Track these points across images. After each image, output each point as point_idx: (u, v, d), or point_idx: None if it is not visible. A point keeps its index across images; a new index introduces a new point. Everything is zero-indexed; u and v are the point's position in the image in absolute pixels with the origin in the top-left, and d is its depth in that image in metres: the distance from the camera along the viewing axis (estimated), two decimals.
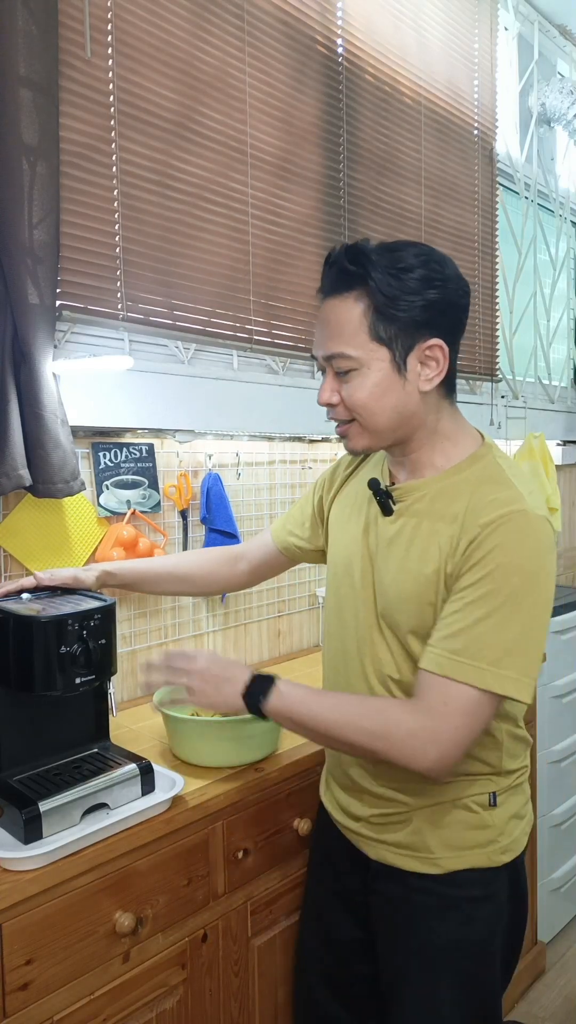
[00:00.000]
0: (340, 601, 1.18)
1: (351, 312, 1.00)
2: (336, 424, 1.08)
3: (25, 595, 1.28)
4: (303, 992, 1.35)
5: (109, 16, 1.56)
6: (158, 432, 1.78)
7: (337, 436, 1.11)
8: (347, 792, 1.19)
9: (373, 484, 1.12)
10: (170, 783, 1.24)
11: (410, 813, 1.10)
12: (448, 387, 1.08)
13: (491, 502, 1.00)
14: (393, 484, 1.13)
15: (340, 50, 2.10)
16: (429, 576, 1.03)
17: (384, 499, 1.10)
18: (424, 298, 1.00)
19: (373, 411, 1.03)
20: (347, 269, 1.00)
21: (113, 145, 1.57)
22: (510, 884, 1.12)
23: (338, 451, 2.26)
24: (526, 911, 1.17)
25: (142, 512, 1.73)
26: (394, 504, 1.10)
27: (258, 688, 1.06)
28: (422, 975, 1.10)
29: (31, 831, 1.09)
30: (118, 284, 1.60)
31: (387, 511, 1.10)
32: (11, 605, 1.20)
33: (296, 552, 1.37)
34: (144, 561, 1.45)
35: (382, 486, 1.11)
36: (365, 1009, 1.26)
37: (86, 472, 1.62)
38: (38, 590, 1.26)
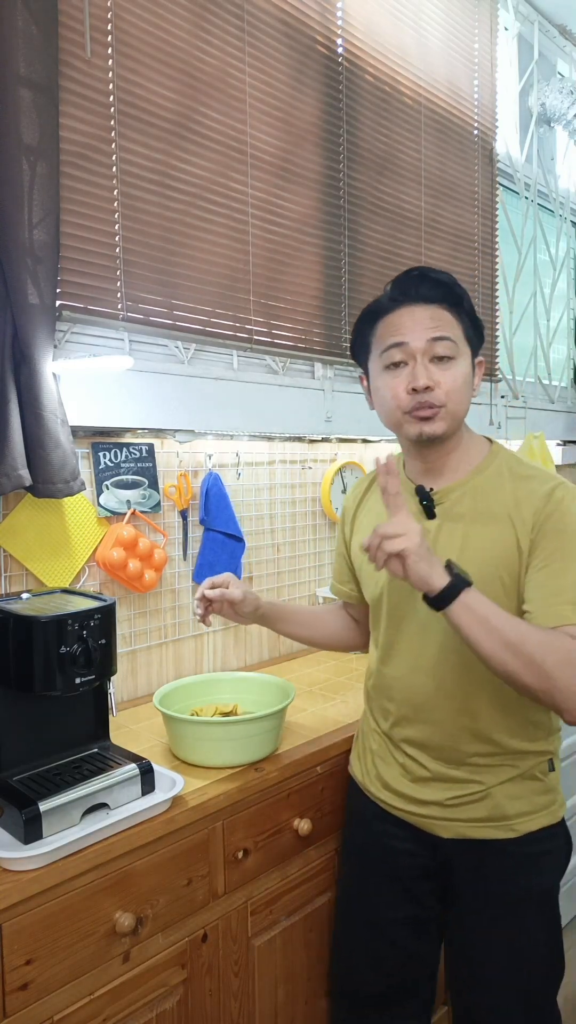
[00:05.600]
0: (392, 607, 1.28)
1: (449, 314, 1.19)
2: (419, 408, 1.18)
3: (25, 595, 1.28)
4: (344, 974, 1.41)
5: (109, 16, 1.56)
6: (158, 432, 1.78)
7: (416, 419, 1.19)
8: (416, 782, 1.27)
9: (420, 490, 1.24)
10: (170, 783, 1.24)
11: (488, 790, 1.22)
12: None
13: (532, 479, 1.18)
14: (431, 490, 1.24)
15: (340, 50, 2.10)
16: (499, 559, 1.16)
17: (429, 503, 1.23)
18: (481, 326, 1.24)
19: (462, 398, 1.20)
20: (453, 290, 1.20)
21: (113, 145, 1.57)
22: (565, 833, 1.29)
23: (337, 451, 2.26)
24: (571, 850, 1.31)
25: (142, 512, 1.73)
26: (435, 507, 1.23)
27: (462, 575, 1.07)
28: (508, 920, 1.24)
29: (31, 831, 1.09)
30: (118, 284, 1.60)
31: (431, 515, 1.23)
32: (11, 605, 1.20)
33: (356, 596, 1.45)
34: (283, 605, 1.50)
35: (427, 490, 1.24)
36: (410, 985, 1.35)
37: (86, 472, 1.62)
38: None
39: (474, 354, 1.23)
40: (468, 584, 1.06)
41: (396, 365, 1.19)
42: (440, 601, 1.05)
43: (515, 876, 1.23)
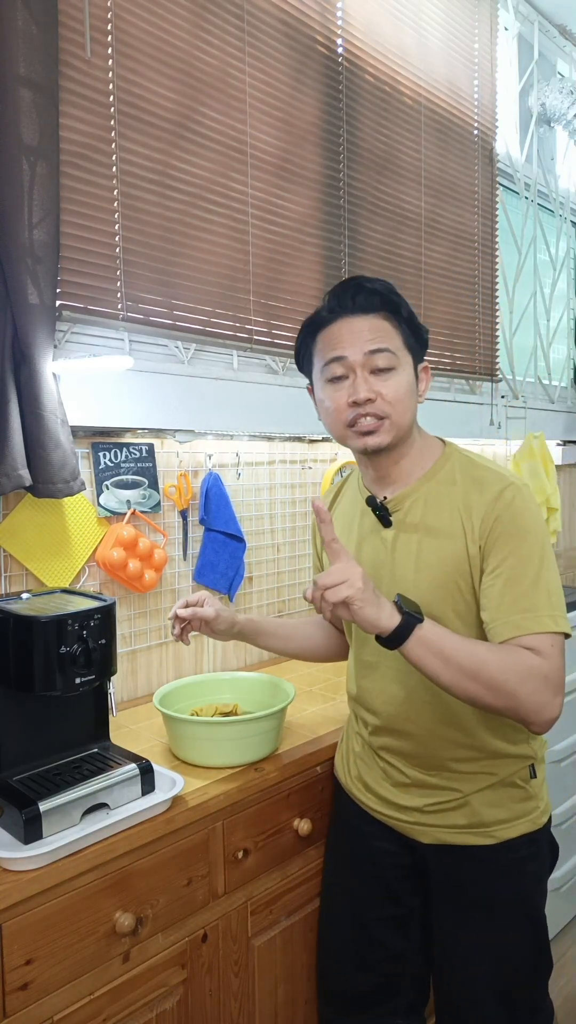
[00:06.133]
0: None
1: (386, 323, 1.18)
2: (361, 421, 1.17)
3: (25, 595, 1.28)
4: (329, 974, 1.40)
5: (109, 16, 1.56)
6: (158, 432, 1.78)
7: (358, 434, 1.19)
8: (396, 787, 1.27)
9: (371, 501, 1.24)
10: (170, 783, 1.24)
11: (466, 797, 1.22)
12: None
13: (482, 482, 1.17)
14: (385, 499, 1.24)
15: (340, 50, 2.10)
16: (452, 565, 1.16)
17: (383, 513, 1.22)
18: (423, 331, 1.24)
19: (406, 408, 1.19)
20: (390, 298, 1.19)
21: (113, 145, 1.57)
22: (548, 839, 1.28)
23: (338, 451, 2.26)
24: (557, 854, 1.33)
25: (142, 512, 1.73)
26: (390, 515, 1.23)
27: (412, 612, 1.06)
28: (489, 924, 1.23)
29: (31, 831, 1.09)
30: (118, 284, 1.60)
31: (387, 523, 1.23)
32: (11, 605, 1.20)
33: None
34: (261, 619, 1.49)
35: (379, 500, 1.24)
36: (396, 984, 1.35)
37: (86, 472, 1.62)
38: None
39: (417, 361, 1.23)
40: (419, 620, 1.05)
41: (337, 378, 1.19)
42: (393, 641, 1.05)
43: (495, 882, 1.23)
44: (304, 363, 1.27)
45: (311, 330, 1.23)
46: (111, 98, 1.57)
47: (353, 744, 1.37)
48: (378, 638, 1.06)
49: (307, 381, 1.29)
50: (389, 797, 1.28)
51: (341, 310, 1.19)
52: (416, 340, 1.22)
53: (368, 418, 1.17)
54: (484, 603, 1.13)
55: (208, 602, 1.34)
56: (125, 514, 1.69)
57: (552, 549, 1.15)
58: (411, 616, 1.05)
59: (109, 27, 1.56)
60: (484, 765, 1.21)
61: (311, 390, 1.28)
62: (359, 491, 1.31)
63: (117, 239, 1.59)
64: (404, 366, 1.19)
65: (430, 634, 1.05)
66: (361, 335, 1.17)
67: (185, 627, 1.35)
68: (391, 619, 1.04)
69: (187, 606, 1.34)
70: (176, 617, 1.34)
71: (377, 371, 1.17)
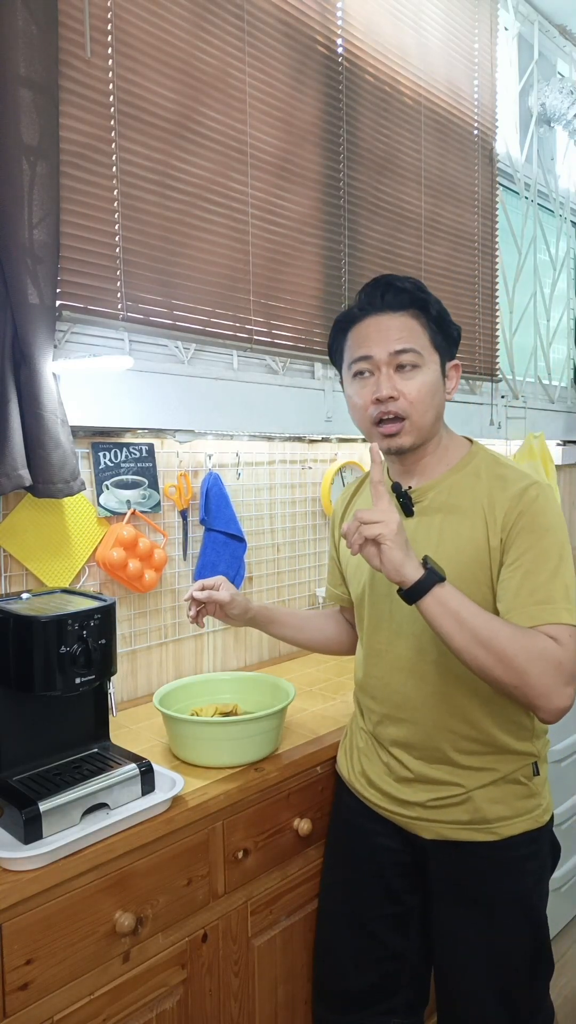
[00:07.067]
0: (371, 606, 1.30)
1: (414, 321, 1.22)
2: (383, 423, 1.21)
3: (25, 595, 1.28)
4: (328, 972, 1.40)
5: (109, 16, 1.56)
6: (158, 432, 1.78)
7: (382, 435, 1.22)
8: (399, 782, 1.28)
9: (396, 487, 1.26)
10: (170, 783, 1.24)
11: (469, 793, 1.22)
12: None
13: (506, 479, 1.19)
14: (409, 488, 1.27)
15: (340, 50, 2.10)
16: (472, 555, 1.17)
17: (406, 501, 1.24)
18: (454, 328, 1.26)
19: (426, 407, 1.21)
20: (419, 296, 1.22)
21: (113, 145, 1.57)
22: (550, 839, 1.29)
23: (337, 451, 2.26)
24: (559, 854, 1.34)
25: (142, 512, 1.73)
26: (413, 505, 1.25)
27: (436, 569, 1.08)
28: (488, 922, 1.24)
29: (31, 831, 1.09)
30: (118, 284, 1.60)
31: (408, 512, 1.25)
32: (11, 605, 1.20)
33: (348, 599, 1.45)
34: (275, 608, 1.51)
35: (403, 488, 1.25)
36: (393, 983, 1.35)
37: (86, 472, 1.62)
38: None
39: (445, 359, 1.25)
40: (441, 579, 1.07)
41: (362, 374, 1.23)
42: (413, 594, 1.07)
43: (496, 880, 1.23)
44: (336, 358, 1.31)
45: (342, 327, 1.27)
46: (111, 98, 1.57)
47: (357, 739, 1.37)
48: (399, 591, 1.08)
49: (337, 376, 1.32)
50: (392, 792, 1.28)
51: (371, 308, 1.23)
52: (445, 338, 1.24)
53: (389, 422, 1.21)
54: (501, 595, 1.14)
55: (224, 586, 1.37)
56: (125, 514, 1.69)
57: (571, 550, 1.16)
58: (434, 572, 1.07)
59: (109, 27, 1.56)
60: (488, 760, 1.21)
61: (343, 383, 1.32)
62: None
63: (117, 239, 1.59)
64: (430, 364, 1.21)
65: (449, 594, 1.07)
66: (388, 334, 1.20)
67: (200, 610, 1.38)
68: (415, 570, 1.07)
69: (203, 589, 1.37)
70: (192, 599, 1.37)
71: (400, 368, 1.20)
